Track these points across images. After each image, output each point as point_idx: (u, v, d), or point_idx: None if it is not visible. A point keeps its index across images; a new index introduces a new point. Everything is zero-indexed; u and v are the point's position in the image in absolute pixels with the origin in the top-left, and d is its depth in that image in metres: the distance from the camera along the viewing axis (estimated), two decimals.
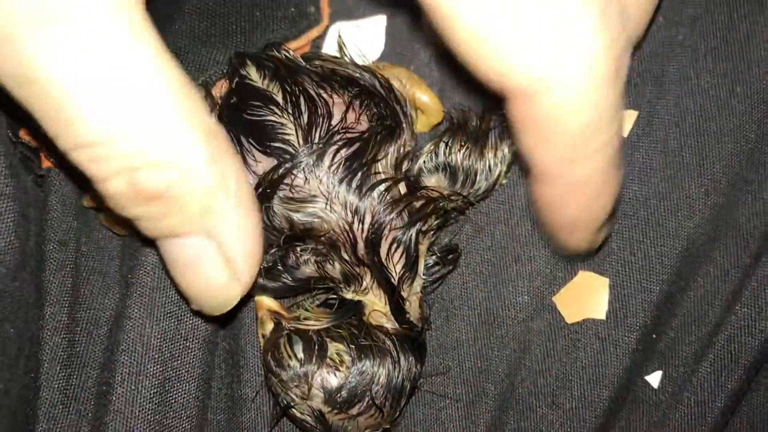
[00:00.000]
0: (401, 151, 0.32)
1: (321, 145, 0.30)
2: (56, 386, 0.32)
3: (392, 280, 0.31)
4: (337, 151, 0.30)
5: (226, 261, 0.26)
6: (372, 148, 0.31)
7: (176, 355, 0.32)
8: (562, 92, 0.24)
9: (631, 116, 0.35)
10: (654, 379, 0.34)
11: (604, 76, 0.24)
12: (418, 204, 0.31)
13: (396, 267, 0.31)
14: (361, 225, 0.31)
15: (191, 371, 0.33)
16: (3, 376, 0.30)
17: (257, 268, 0.27)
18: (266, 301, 0.32)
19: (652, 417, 0.34)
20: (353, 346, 0.31)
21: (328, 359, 0.30)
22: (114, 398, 0.32)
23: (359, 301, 0.32)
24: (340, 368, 0.30)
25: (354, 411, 0.31)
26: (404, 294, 0.32)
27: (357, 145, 0.30)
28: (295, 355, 0.30)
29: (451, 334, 0.35)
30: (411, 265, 0.32)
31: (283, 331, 0.31)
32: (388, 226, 0.31)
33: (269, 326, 0.32)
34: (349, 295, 0.32)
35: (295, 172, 0.30)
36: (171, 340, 0.32)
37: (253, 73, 0.32)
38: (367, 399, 0.30)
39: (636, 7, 0.26)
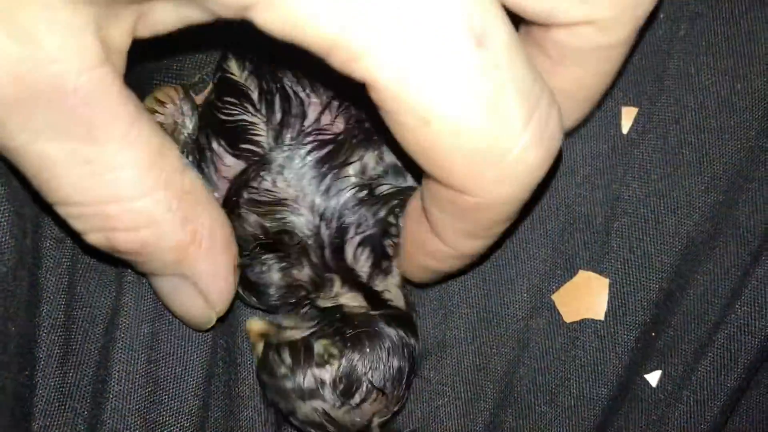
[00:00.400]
0: (379, 155, 0.31)
1: (291, 147, 0.30)
2: (52, 384, 0.32)
3: (361, 279, 0.31)
4: (308, 152, 0.30)
5: (201, 294, 0.29)
6: (345, 150, 0.30)
7: (171, 353, 0.32)
8: (500, 199, 0.24)
9: (630, 113, 0.34)
10: (653, 377, 0.34)
11: (534, 184, 0.24)
12: (383, 206, 0.31)
13: (364, 267, 0.31)
14: (327, 229, 0.30)
15: (187, 370, 0.33)
16: (1, 374, 0.30)
17: (230, 299, 0.30)
18: (254, 326, 0.32)
19: (651, 415, 0.34)
20: (338, 338, 0.30)
21: (316, 357, 0.30)
22: (110, 396, 0.32)
23: (338, 305, 0.32)
24: (330, 362, 0.30)
25: (356, 399, 0.30)
26: (378, 288, 0.31)
27: (329, 147, 0.30)
28: (284, 362, 0.30)
29: (449, 332, 0.35)
30: (379, 263, 0.31)
31: (271, 346, 0.31)
32: (354, 229, 0.30)
33: (260, 347, 0.32)
34: (326, 303, 0.32)
35: (263, 174, 0.30)
36: (165, 340, 0.32)
37: (233, 67, 0.31)
38: (365, 384, 0.30)
39: (569, 108, 0.26)
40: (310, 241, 0.30)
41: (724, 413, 0.33)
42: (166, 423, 0.32)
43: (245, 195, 0.30)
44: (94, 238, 0.26)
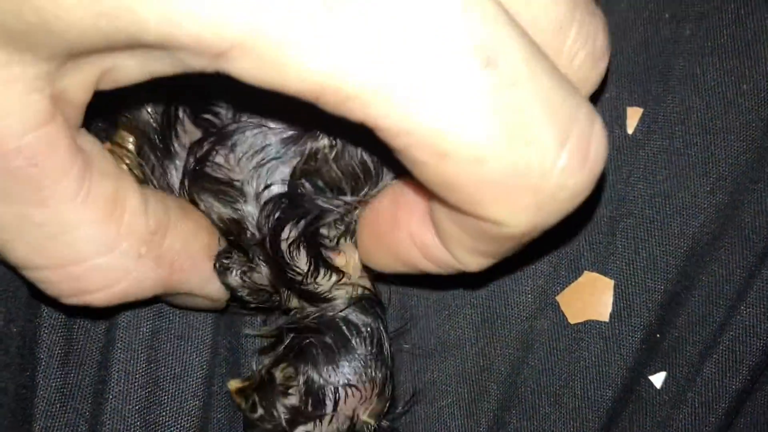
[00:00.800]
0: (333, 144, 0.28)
1: (246, 125, 0.27)
2: (53, 385, 0.32)
3: (293, 276, 0.29)
4: (261, 134, 0.27)
5: (202, 297, 0.29)
6: (299, 138, 0.27)
7: (171, 353, 0.32)
8: (536, 228, 0.22)
9: (636, 113, 0.34)
10: (658, 379, 0.34)
11: (573, 208, 0.22)
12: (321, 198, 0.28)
13: (302, 266, 0.29)
14: (267, 222, 0.28)
15: (188, 370, 0.32)
16: (3, 375, 0.30)
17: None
18: (232, 386, 0.31)
19: (655, 417, 0.34)
20: (291, 356, 0.29)
21: (278, 387, 0.29)
22: (110, 396, 0.31)
23: (297, 309, 0.30)
24: (291, 384, 0.29)
25: (329, 408, 0.29)
26: (319, 288, 0.29)
27: (287, 133, 0.27)
28: (256, 405, 0.30)
29: (453, 332, 0.34)
30: (316, 260, 0.29)
31: (244, 394, 0.31)
32: (288, 224, 0.28)
33: (243, 404, 0.31)
34: (292, 304, 0.30)
35: (217, 148, 0.27)
36: (165, 339, 0.32)
37: None
38: (329, 389, 0.29)
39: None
40: (258, 235, 0.28)
41: (729, 415, 0.33)
42: (166, 423, 0.32)
43: (200, 168, 0.28)
44: (72, 301, 0.25)
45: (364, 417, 0.30)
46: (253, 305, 0.30)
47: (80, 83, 0.21)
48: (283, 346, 0.30)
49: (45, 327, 0.32)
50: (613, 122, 0.34)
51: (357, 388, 0.29)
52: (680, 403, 0.33)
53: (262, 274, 0.29)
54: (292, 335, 0.30)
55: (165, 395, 0.32)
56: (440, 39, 0.18)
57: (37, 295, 0.30)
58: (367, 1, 0.18)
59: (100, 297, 0.25)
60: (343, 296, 0.30)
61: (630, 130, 0.34)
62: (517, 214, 0.21)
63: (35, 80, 0.20)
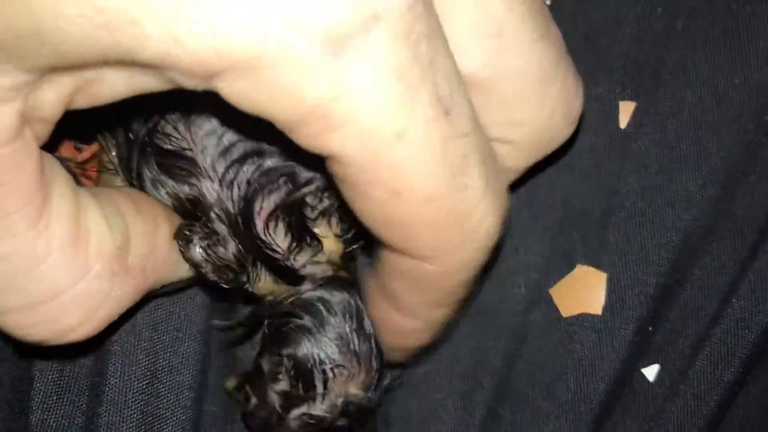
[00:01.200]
0: None
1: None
2: (50, 377, 0.32)
3: (278, 258, 0.28)
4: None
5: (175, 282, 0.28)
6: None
7: (168, 346, 0.32)
8: (462, 263, 0.24)
9: (628, 107, 0.34)
10: (650, 372, 0.34)
11: (491, 246, 0.24)
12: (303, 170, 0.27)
13: (282, 243, 0.28)
14: (230, 198, 0.26)
15: (183, 362, 0.33)
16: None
17: None
18: (228, 384, 0.32)
19: (648, 410, 0.34)
20: (273, 344, 0.29)
21: (267, 375, 0.29)
22: (106, 389, 0.32)
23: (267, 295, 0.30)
24: (279, 371, 0.29)
25: (320, 388, 0.29)
26: (296, 263, 0.29)
27: None
28: (250, 396, 0.30)
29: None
30: (300, 236, 0.28)
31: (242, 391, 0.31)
32: (261, 195, 0.27)
33: (239, 398, 0.31)
34: (259, 290, 0.29)
35: (166, 116, 0.26)
36: (162, 331, 0.32)
37: None
38: (316, 370, 0.29)
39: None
40: (218, 212, 0.27)
41: (722, 407, 0.33)
42: (163, 416, 0.32)
43: (151, 140, 0.26)
44: (52, 344, 0.24)
45: (354, 390, 0.30)
46: (219, 287, 0.29)
47: (56, 97, 0.20)
48: (263, 335, 0.30)
49: None
50: (606, 116, 0.34)
51: (343, 365, 0.29)
52: (673, 395, 0.33)
53: (227, 249, 0.28)
54: (267, 322, 0.30)
55: (163, 387, 0.32)
56: (409, 85, 0.19)
57: None
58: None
59: (83, 331, 0.24)
60: (318, 274, 0.30)
61: (622, 125, 0.34)
62: (447, 251, 0.23)
63: (9, 91, 0.19)
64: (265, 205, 0.27)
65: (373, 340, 0.30)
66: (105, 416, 0.32)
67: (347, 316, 0.29)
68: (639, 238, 0.34)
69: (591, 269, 0.34)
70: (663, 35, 0.34)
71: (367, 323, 0.30)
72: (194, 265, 0.28)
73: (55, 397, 0.32)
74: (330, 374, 0.29)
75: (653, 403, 0.34)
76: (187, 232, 0.27)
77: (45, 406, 0.32)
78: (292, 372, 0.29)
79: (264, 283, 0.30)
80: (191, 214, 0.27)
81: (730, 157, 0.33)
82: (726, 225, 0.33)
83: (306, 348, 0.29)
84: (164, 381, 0.32)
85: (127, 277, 0.25)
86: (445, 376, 0.35)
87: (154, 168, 0.27)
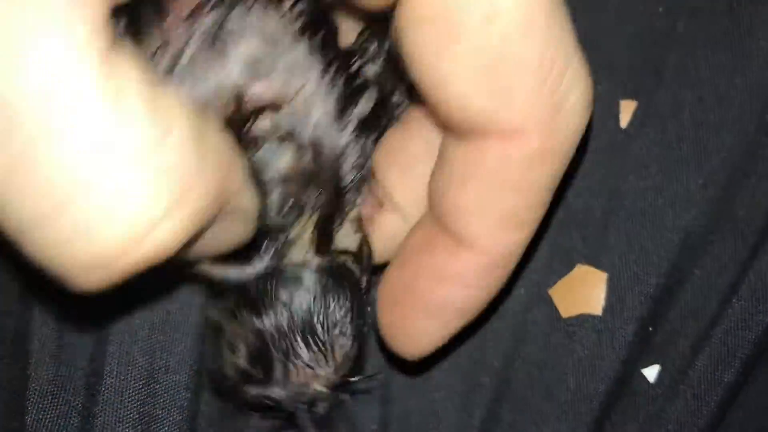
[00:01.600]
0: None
1: None
2: (45, 377, 0.32)
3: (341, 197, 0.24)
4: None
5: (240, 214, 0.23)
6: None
7: (165, 345, 0.32)
8: (561, 134, 0.21)
9: (629, 107, 0.34)
10: (651, 372, 0.34)
11: (586, 121, 0.22)
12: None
13: (350, 176, 0.24)
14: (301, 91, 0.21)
15: (180, 362, 0.32)
16: None
17: None
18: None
19: (648, 410, 0.34)
20: (242, 311, 0.27)
21: (226, 344, 0.27)
22: (103, 389, 0.31)
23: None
24: (238, 345, 0.27)
25: (278, 374, 0.27)
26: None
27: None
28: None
29: None
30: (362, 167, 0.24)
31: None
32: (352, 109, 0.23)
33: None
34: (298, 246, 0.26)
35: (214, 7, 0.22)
36: (159, 331, 0.32)
37: None
38: (277, 360, 0.27)
39: None
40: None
41: (722, 408, 0.33)
42: (159, 416, 0.32)
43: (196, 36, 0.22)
44: (127, 265, 0.18)
45: (318, 387, 0.28)
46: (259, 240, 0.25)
47: None
48: (235, 298, 0.27)
49: (36, 320, 0.32)
50: (606, 115, 0.34)
51: (310, 364, 0.27)
52: (673, 396, 0.33)
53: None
54: (256, 279, 0.27)
55: (159, 387, 0.32)
56: None
57: (30, 289, 0.30)
58: None
59: (169, 227, 0.17)
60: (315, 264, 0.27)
61: (623, 124, 0.34)
62: (543, 120, 0.20)
63: None
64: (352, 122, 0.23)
65: (352, 341, 0.28)
66: (101, 416, 0.32)
67: (321, 300, 0.27)
68: (639, 238, 0.34)
69: (591, 269, 0.34)
70: (664, 35, 0.34)
71: (346, 324, 0.28)
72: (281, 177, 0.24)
73: (50, 398, 0.32)
74: (292, 368, 0.27)
75: (653, 403, 0.34)
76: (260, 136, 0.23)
77: (40, 406, 0.32)
78: (252, 350, 0.27)
79: (303, 244, 0.27)
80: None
81: (731, 158, 0.33)
82: (726, 225, 0.33)
83: (273, 331, 0.26)
84: (161, 381, 0.32)
85: (211, 156, 0.18)
86: (443, 376, 0.34)
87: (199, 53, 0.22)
